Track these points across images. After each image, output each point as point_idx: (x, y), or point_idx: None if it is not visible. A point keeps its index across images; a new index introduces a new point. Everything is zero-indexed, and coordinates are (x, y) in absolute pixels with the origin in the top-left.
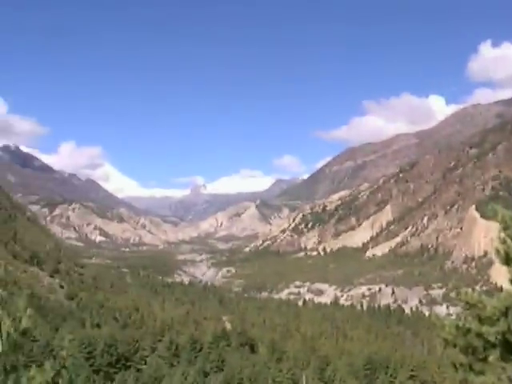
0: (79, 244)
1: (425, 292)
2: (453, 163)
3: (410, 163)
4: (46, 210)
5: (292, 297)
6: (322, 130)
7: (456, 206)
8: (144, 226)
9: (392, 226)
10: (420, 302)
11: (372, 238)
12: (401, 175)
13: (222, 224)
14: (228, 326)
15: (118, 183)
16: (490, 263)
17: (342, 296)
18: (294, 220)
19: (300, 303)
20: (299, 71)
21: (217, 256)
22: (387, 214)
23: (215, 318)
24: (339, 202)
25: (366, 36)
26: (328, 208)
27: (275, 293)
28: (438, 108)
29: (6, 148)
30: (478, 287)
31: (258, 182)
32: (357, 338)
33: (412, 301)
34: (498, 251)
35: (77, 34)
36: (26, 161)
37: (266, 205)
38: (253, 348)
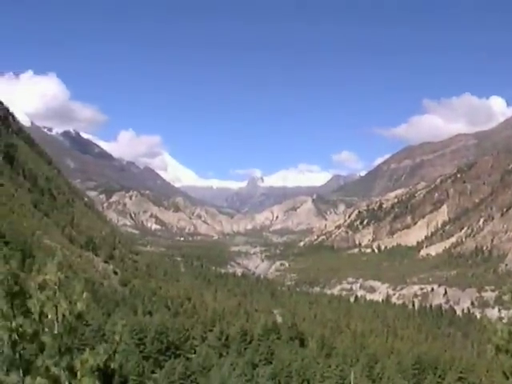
0: (135, 231)
1: (477, 294)
2: (511, 165)
3: (468, 164)
4: (103, 196)
5: (344, 293)
6: (381, 128)
7: None
8: (200, 217)
9: (447, 226)
10: (472, 303)
11: (427, 238)
12: (458, 175)
13: (277, 217)
14: (279, 319)
15: (176, 173)
16: None
17: (394, 294)
18: (349, 216)
19: (352, 300)
20: (362, 69)
21: (271, 249)
22: (443, 214)
23: (266, 311)
24: (395, 200)
25: (430, 37)
26: (384, 205)
27: (327, 288)
28: (499, 109)
29: (66, 134)
30: None
31: (316, 177)
32: (407, 337)
33: (464, 302)
34: None
35: (137, 23)
36: (85, 147)
37: (322, 200)
38: (302, 342)
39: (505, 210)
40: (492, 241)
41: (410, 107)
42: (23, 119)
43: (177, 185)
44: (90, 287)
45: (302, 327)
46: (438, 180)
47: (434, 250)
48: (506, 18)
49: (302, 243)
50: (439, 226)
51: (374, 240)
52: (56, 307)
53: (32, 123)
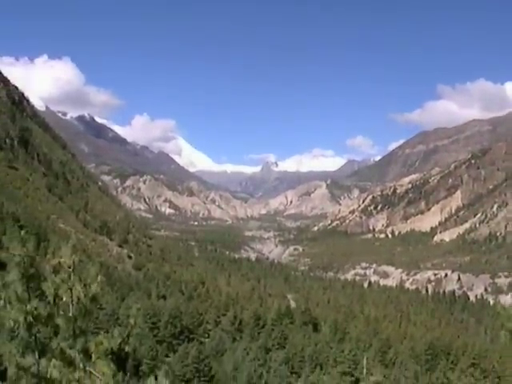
0: (149, 216)
1: (491, 280)
2: None
3: (482, 150)
4: (117, 180)
5: (358, 278)
6: (396, 113)
7: None
8: (214, 201)
9: (461, 212)
10: (485, 290)
11: (440, 223)
12: (472, 161)
13: (291, 202)
14: (292, 303)
15: (190, 157)
16: None
17: (408, 280)
18: (363, 201)
19: (365, 285)
20: (378, 54)
21: (285, 234)
22: (457, 200)
23: (280, 296)
24: (409, 186)
25: (445, 22)
26: (398, 191)
27: (341, 273)
28: None
29: (80, 118)
30: None
31: (330, 162)
32: (420, 323)
33: (478, 288)
34: None
35: (158, 8)
36: (99, 131)
37: (336, 185)
38: (316, 327)
39: None
40: (506, 227)
41: (425, 93)
42: (38, 104)
43: (191, 169)
44: (104, 271)
45: (315, 312)
46: (452, 166)
47: (448, 235)
48: None
49: (315, 228)
50: (453, 211)
51: (387, 225)
52: (71, 290)
53: (47, 107)
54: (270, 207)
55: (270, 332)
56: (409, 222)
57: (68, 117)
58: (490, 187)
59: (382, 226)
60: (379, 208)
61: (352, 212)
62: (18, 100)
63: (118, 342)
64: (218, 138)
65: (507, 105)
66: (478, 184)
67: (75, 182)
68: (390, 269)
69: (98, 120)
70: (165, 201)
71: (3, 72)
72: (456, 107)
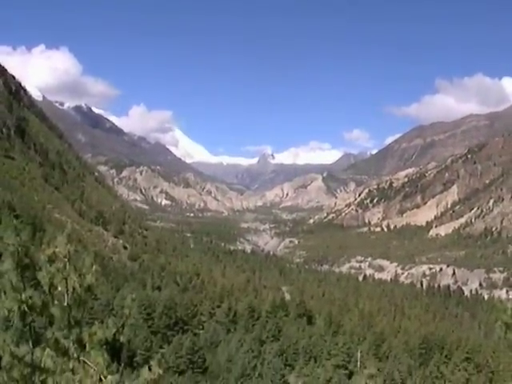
0: (145, 207)
1: (486, 275)
2: None
3: (479, 144)
4: (113, 171)
5: (353, 271)
6: (393, 107)
7: None
8: (210, 193)
9: (457, 207)
10: (480, 284)
11: (436, 218)
12: (469, 156)
13: (287, 194)
14: (287, 296)
15: (187, 148)
16: None
17: (403, 274)
18: (359, 195)
19: (360, 278)
20: (375, 47)
21: (280, 226)
22: (453, 194)
23: (275, 288)
24: (406, 180)
25: (444, 16)
26: (394, 184)
27: (336, 266)
28: (511, 90)
29: (78, 108)
30: None
31: (326, 155)
32: (414, 317)
33: (472, 283)
34: None
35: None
36: (96, 122)
37: (332, 178)
38: (310, 320)
39: None
40: (501, 222)
41: (422, 86)
42: (35, 93)
43: (187, 161)
44: (99, 262)
45: (309, 305)
46: (449, 160)
47: (444, 230)
48: None
49: (311, 221)
50: (449, 206)
51: (383, 219)
52: (66, 280)
53: (44, 97)
54: (266, 199)
55: (265, 324)
56: (404, 215)
57: (65, 107)
58: (487, 182)
59: (378, 219)
60: (375, 201)
61: (348, 205)
62: (14, 90)
63: (113, 333)
64: (214, 129)
65: (505, 100)
66: (474, 179)
67: (71, 172)
68: (385, 262)
69: (95, 110)
70: (161, 192)
71: (0, 61)
72: (453, 102)
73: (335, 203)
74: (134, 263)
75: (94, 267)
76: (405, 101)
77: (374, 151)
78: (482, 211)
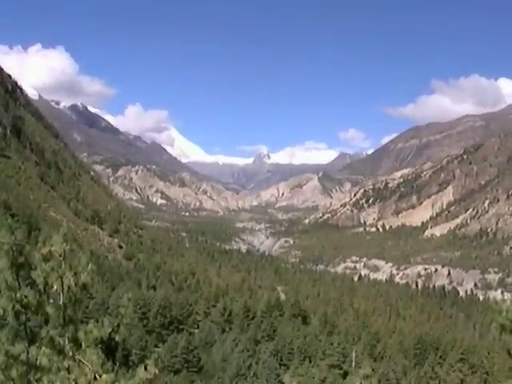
0: (140, 206)
1: (481, 276)
2: None
3: (474, 145)
4: (109, 170)
5: (348, 271)
6: (389, 107)
7: None
8: (205, 192)
9: (452, 207)
10: (475, 285)
11: (432, 218)
12: (465, 157)
13: (283, 194)
14: (282, 296)
15: (183, 148)
16: None
17: (398, 274)
18: (355, 195)
19: (355, 278)
20: (371, 48)
21: (276, 226)
22: (448, 195)
23: (270, 288)
24: (401, 180)
25: (439, 17)
26: (390, 185)
27: (331, 266)
28: (507, 91)
29: (73, 107)
30: None
31: (322, 155)
32: (409, 317)
33: (467, 284)
34: None
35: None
36: (92, 121)
37: (328, 177)
38: (305, 320)
39: (510, 192)
40: (497, 223)
41: (418, 87)
42: (31, 92)
43: (183, 160)
44: (94, 261)
45: (304, 305)
46: (445, 161)
47: (439, 230)
48: None
49: (306, 221)
50: (444, 206)
51: (378, 219)
52: (61, 278)
53: (40, 96)
54: (262, 199)
55: (260, 324)
56: (400, 216)
57: (61, 106)
58: (482, 183)
59: (373, 219)
60: (371, 202)
61: (343, 205)
62: (11, 89)
63: (108, 332)
64: (210, 129)
65: (501, 100)
66: (469, 179)
67: (67, 171)
68: (380, 263)
69: (91, 109)
70: (156, 191)
71: None
72: (449, 102)
73: (331, 203)
74: (130, 262)
75: (89, 266)
76: (401, 101)
77: (370, 151)
78: (477, 212)
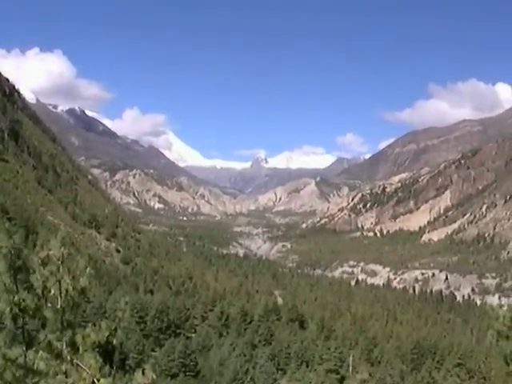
0: (138, 210)
1: (478, 281)
2: None
3: (472, 150)
4: (107, 174)
5: (345, 276)
6: (387, 111)
7: None
8: (203, 196)
9: (450, 212)
10: (472, 290)
11: (429, 223)
12: (462, 161)
13: (280, 199)
14: (279, 300)
15: (180, 152)
16: None
17: (395, 279)
18: (352, 199)
19: (353, 283)
20: (369, 52)
21: (273, 230)
22: (446, 200)
23: (267, 292)
24: (399, 185)
25: (437, 22)
26: (387, 189)
27: (329, 271)
28: (505, 96)
29: (71, 111)
30: None
31: (320, 159)
32: (406, 322)
33: (465, 288)
34: None
35: (149, 4)
36: (90, 125)
37: (325, 182)
38: (302, 324)
39: (508, 197)
40: (494, 228)
41: (416, 92)
42: (29, 96)
43: (181, 164)
44: (92, 265)
45: (302, 309)
46: (442, 165)
47: (436, 235)
48: None
49: (304, 225)
50: (442, 211)
51: (376, 224)
52: (59, 282)
53: (37, 100)
54: (259, 203)
55: (257, 328)
56: (397, 220)
57: (59, 110)
58: (480, 188)
59: (371, 224)
60: (368, 206)
61: (341, 210)
62: (8, 92)
63: (106, 336)
64: (208, 133)
65: (498, 105)
66: (467, 184)
67: (65, 174)
68: (377, 267)
69: (89, 113)
70: (154, 195)
71: None
72: (447, 107)
73: (328, 208)
74: (127, 266)
75: (88, 270)
76: (398, 106)
77: (368, 156)
78: (474, 217)
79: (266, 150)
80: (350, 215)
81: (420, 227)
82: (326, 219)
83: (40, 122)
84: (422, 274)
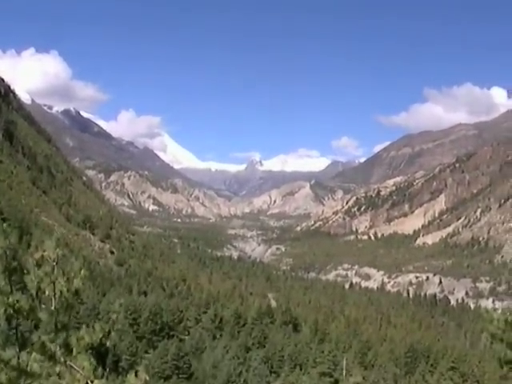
0: (132, 212)
1: (472, 284)
2: (511, 157)
3: (467, 154)
4: (101, 175)
5: (339, 279)
6: (381, 115)
7: (510, 201)
8: (197, 198)
9: (444, 216)
10: (466, 294)
11: (423, 226)
12: (457, 165)
13: (275, 201)
14: (273, 303)
15: (175, 154)
16: None
17: (389, 282)
18: (347, 202)
19: (347, 286)
20: (364, 56)
21: (267, 233)
22: (440, 203)
23: (261, 295)
24: (394, 188)
25: (432, 26)
26: (382, 193)
27: (323, 274)
28: (500, 100)
29: (66, 112)
30: None
31: (314, 162)
32: (400, 326)
33: (459, 292)
34: None
35: (145, 6)
36: (85, 126)
37: (320, 185)
38: (296, 327)
39: (502, 201)
40: (489, 232)
41: (411, 95)
42: (24, 97)
43: (175, 166)
44: (86, 266)
45: (296, 312)
46: (437, 169)
47: (431, 238)
48: (509, 9)
49: (298, 228)
50: (436, 215)
51: (370, 227)
52: (53, 284)
53: (33, 101)
54: (254, 206)
55: (250, 331)
56: (392, 224)
57: (54, 111)
58: (474, 192)
59: (365, 227)
60: (363, 210)
61: (335, 213)
62: (3, 93)
63: (100, 337)
64: (203, 135)
65: (493, 109)
66: (462, 188)
67: (59, 176)
68: (371, 271)
69: (84, 114)
70: (148, 197)
71: None
72: (442, 111)
73: (323, 211)
74: (121, 268)
75: (82, 271)
76: (394, 109)
77: (363, 159)
78: (469, 221)
79: (260, 153)
80: (344, 218)
81: (414, 231)
82: (321, 222)
83: (35, 122)
84: (416, 277)
